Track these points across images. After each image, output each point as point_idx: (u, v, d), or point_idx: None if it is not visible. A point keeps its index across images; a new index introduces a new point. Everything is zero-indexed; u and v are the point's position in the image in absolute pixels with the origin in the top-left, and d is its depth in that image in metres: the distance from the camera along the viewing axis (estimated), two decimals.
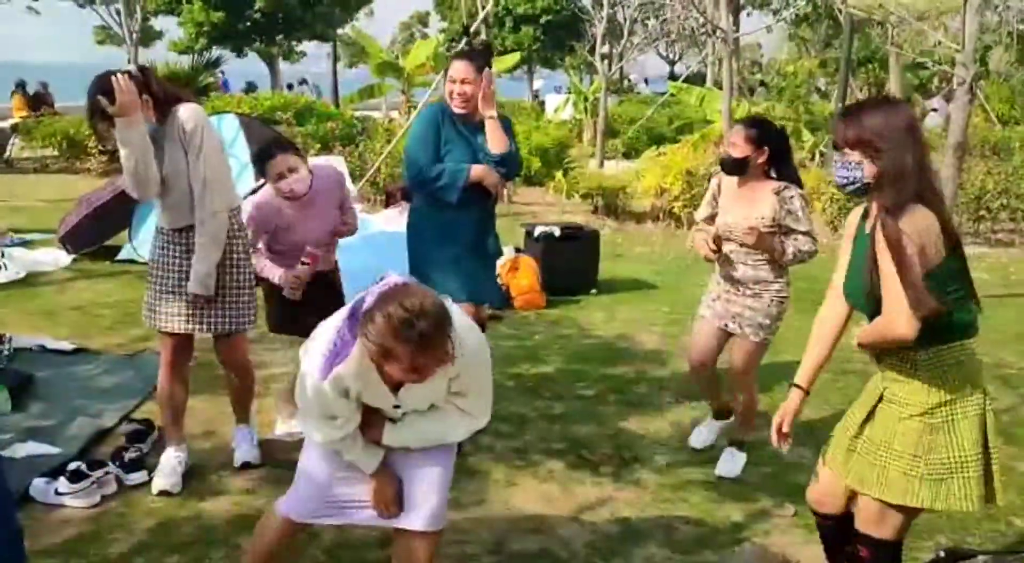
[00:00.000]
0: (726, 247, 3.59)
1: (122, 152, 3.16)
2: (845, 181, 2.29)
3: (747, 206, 3.53)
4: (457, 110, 3.70)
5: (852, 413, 2.46)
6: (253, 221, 3.66)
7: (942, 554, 2.93)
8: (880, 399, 2.37)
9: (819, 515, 2.63)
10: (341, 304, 3.81)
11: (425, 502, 2.49)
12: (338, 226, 3.87)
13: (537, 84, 31.70)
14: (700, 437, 3.99)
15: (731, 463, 3.74)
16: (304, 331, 3.66)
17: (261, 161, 3.69)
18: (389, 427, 2.46)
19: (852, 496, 2.50)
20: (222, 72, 25.58)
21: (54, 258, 7.20)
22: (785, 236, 3.49)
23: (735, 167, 3.53)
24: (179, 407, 3.61)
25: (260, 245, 3.75)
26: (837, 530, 2.59)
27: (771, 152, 3.50)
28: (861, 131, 2.24)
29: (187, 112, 3.25)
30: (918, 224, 2.16)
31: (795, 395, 2.52)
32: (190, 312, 3.38)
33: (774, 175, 3.56)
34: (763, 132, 3.51)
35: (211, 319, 3.41)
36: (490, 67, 3.73)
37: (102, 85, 3.13)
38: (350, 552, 3.09)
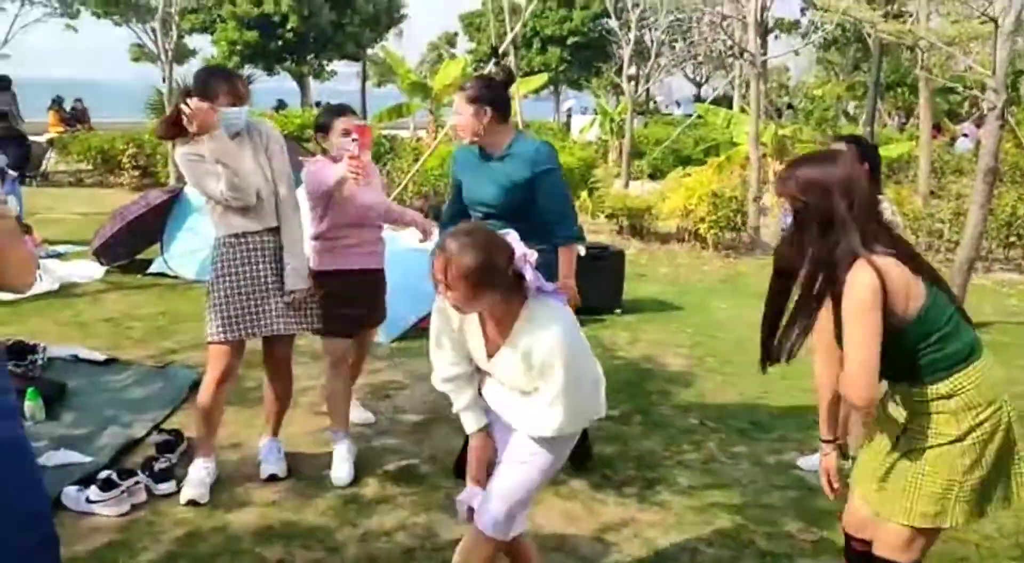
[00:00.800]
0: None
1: (220, 169, 3.33)
2: (783, 226, 2.42)
3: None
4: (461, 139, 3.74)
5: (878, 443, 2.44)
6: (312, 182, 3.67)
7: None
8: (904, 430, 2.35)
9: (853, 540, 2.62)
10: (384, 303, 3.96)
11: (491, 502, 2.50)
12: (387, 210, 3.92)
13: (569, 103, 31.70)
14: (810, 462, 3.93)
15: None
16: (353, 331, 3.83)
17: (332, 116, 3.76)
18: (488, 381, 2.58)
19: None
20: (280, 101, 26.04)
21: (87, 271, 7.33)
22: None
23: None
24: (216, 420, 3.67)
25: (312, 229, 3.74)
26: (866, 558, 2.57)
27: (869, 168, 3.52)
28: (796, 186, 2.28)
29: (261, 124, 3.55)
30: (866, 282, 2.16)
31: (828, 450, 2.54)
32: (291, 312, 3.54)
33: None
34: (865, 149, 3.51)
35: (306, 317, 3.62)
36: (484, 100, 3.52)
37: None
38: None
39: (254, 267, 3.48)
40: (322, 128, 3.78)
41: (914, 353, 2.25)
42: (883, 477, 2.39)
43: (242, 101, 3.39)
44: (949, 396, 2.26)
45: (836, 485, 2.53)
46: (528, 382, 2.43)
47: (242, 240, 3.47)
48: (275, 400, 3.80)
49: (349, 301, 3.75)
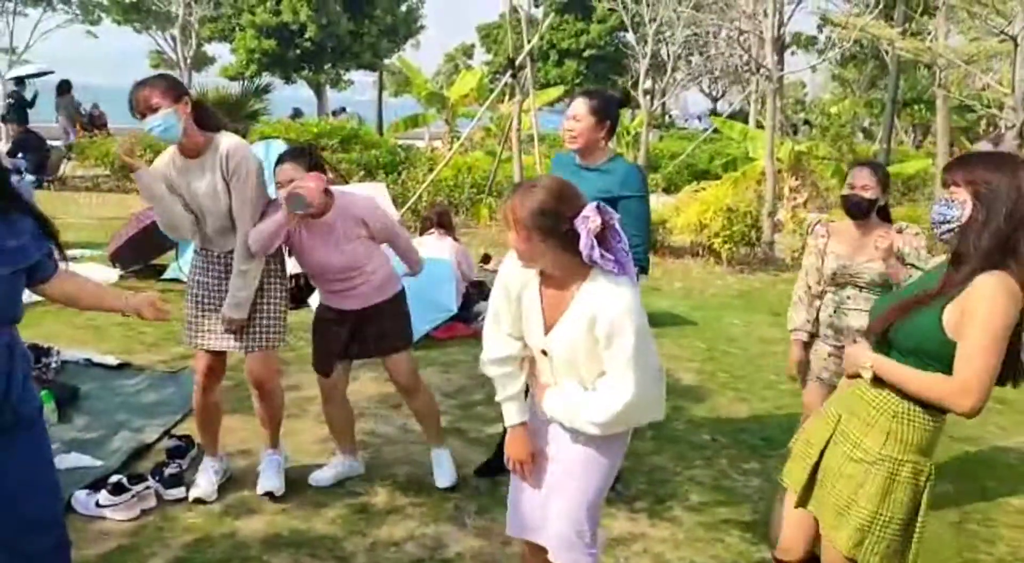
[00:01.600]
0: (839, 296, 3.54)
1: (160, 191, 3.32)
2: (943, 219, 2.18)
3: (870, 248, 3.38)
4: (569, 146, 3.65)
5: (813, 433, 2.42)
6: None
7: None
8: (837, 424, 2.36)
9: None
10: (395, 332, 3.75)
11: (556, 521, 2.49)
12: (368, 262, 3.60)
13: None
14: None
15: None
16: (326, 366, 3.68)
17: (279, 161, 3.48)
18: (543, 392, 2.50)
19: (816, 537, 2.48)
20: (343, 109, 26.27)
21: (101, 275, 7.35)
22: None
23: (867, 209, 3.46)
24: (214, 422, 3.69)
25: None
26: None
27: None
28: (977, 173, 2.15)
29: (228, 141, 3.32)
30: (1014, 291, 2.06)
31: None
32: (226, 331, 3.45)
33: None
34: (886, 174, 3.50)
35: (246, 337, 3.47)
36: (608, 114, 3.57)
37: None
38: None
39: (212, 281, 3.46)
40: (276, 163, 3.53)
41: (926, 363, 2.17)
42: (810, 476, 2.40)
43: (142, 115, 3.16)
44: (899, 420, 2.22)
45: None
46: (588, 360, 2.35)
47: (204, 255, 3.49)
48: (260, 410, 3.67)
49: (327, 335, 3.67)
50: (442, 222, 6.86)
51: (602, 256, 2.24)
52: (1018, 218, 2.09)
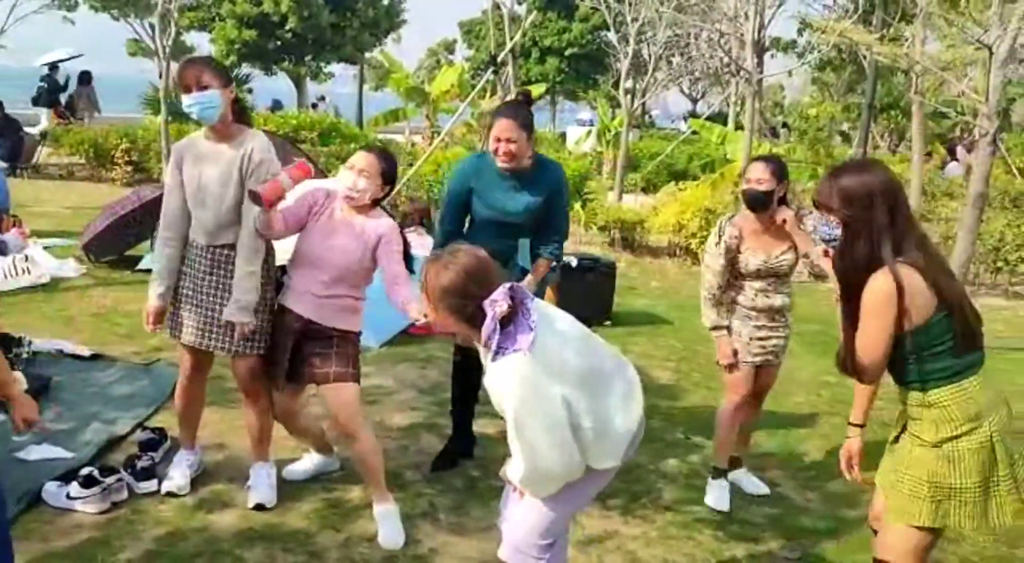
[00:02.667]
0: (760, 283, 3.70)
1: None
2: (829, 238, 2.47)
3: (783, 237, 3.64)
4: (502, 165, 3.71)
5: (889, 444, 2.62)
6: (302, 197, 3.39)
7: None
8: (903, 429, 2.52)
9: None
10: (343, 360, 3.42)
11: (511, 532, 2.57)
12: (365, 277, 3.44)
13: (585, 115, 31.25)
14: (724, 500, 3.79)
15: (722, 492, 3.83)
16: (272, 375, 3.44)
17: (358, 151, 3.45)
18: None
19: None
20: (322, 97, 26.10)
21: (68, 270, 7.15)
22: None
23: (765, 201, 3.58)
24: (194, 415, 3.66)
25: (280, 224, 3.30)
26: None
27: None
28: (832, 195, 2.39)
29: (259, 143, 3.30)
30: (882, 287, 2.31)
31: (855, 434, 2.76)
32: (209, 328, 3.37)
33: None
34: (781, 167, 3.66)
35: (228, 338, 3.37)
36: (530, 125, 3.71)
37: None
38: None
39: (196, 274, 3.38)
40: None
41: (904, 359, 2.39)
42: (882, 473, 2.58)
43: (188, 89, 3.18)
44: (929, 406, 2.40)
45: (856, 470, 2.72)
46: None
47: (192, 247, 3.41)
48: (250, 424, 3.56)
49: (275, 339, 3.41)
50: (423, 220, 6.88)
51: (498, 341, 2.31)
52: (890, 221, 2.34)
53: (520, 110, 3.76)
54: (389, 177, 3.38)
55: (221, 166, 3.28)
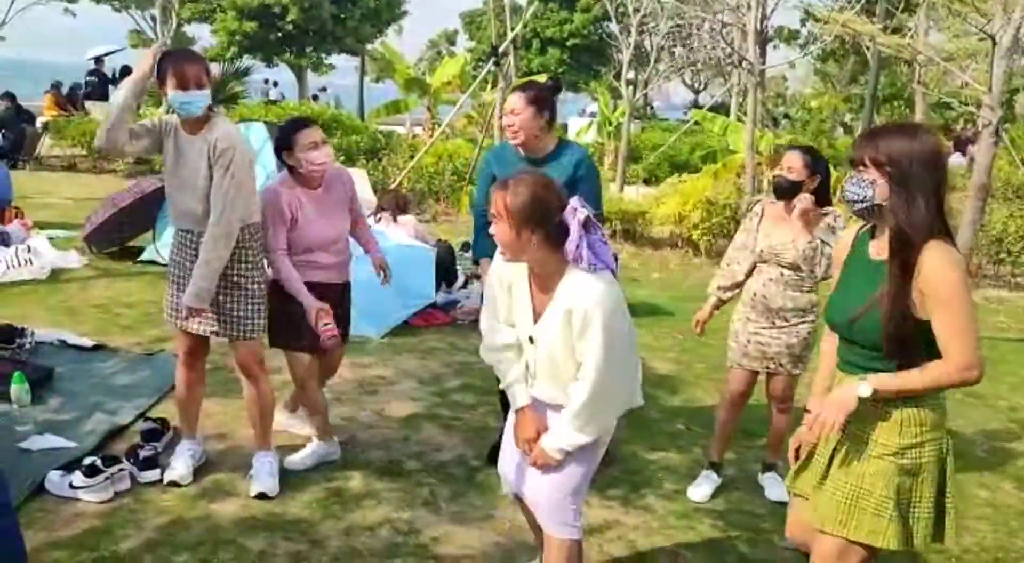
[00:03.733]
0: (768, 271, 3.63)
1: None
2: (855, 198, 2.21)
3: (800, 230, 3.47)
4: (513, 142, 3.69)
5: (820, 449, 2.38)
6: (271, 207, 3.50)
7: None
8: (845, 436, 2.30)
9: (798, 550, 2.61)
10: (346, 320, 3.79)
11: (545, 500, 2.61)
12: (346, 230, 3.76)
13: (593, 107, 31.07)
14: (702, 492, 3.80)
15: (780, 487, 3.75)
16: (306, 346, 3.61)
17: (292, 132, 3.52)
18: (529, 378, 2.59)
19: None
20: (275, 82, 25.98)
21: (67, 261, 7.15)
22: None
23: (790, 190, 3.53)
24: (194, 404, 3.68)
25: (283, 246, 3.55)
26: None
27: (820, 181, 3.56)
28: (883, 150, 2.17)
29: (222, 131, 3.29)
30: (960, 261, 2.12)
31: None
32: (206, 314, 3.39)
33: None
34: (816, 160, 3.57)
35: (221, 323, 3.41)
36: (545, 104, 3.64)
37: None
38: (358, 561, 3.10)
39: (189, 263, 3.38)
40: (285, 145, 3.54)
41: (911, 352, 2.18)
42: (820, 484, 2.35)
43: (186, 87, 3.20)
44: (906, 407, 2.22)
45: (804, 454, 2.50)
46: (566, 355, 2.45)
47: (181, 236, 3.43)
48: (248, 402, 3.60)
49: (303, 316, 3.51)
50: (398, 204, 6.94)
51: (585, 252, 2.32)
52: (936, 191, 2.15)
53: (531, 86, 3.77)
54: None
55: (194, 157, 3.31)
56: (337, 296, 3.71)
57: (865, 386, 2.16)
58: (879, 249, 2.27)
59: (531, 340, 2.52)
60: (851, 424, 2.27)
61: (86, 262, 7.22)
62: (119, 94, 3.29)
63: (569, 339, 2.41)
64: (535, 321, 2.49)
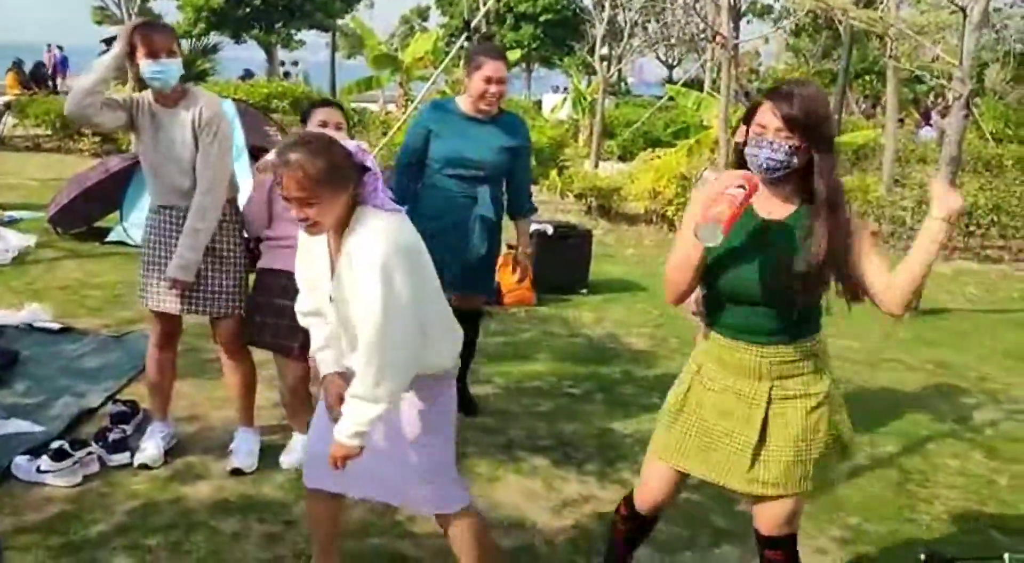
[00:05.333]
0: None
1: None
2: (777, 165, 2.15)
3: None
4: (485, 108, 3.74)
5: (740, 429, 2.30)
6: (255, 194, 3.44)
7: (922, 557, 2.96)
8: (769, 402, 2.28)
9: (640, 518, 2.58)
10: None
11: (417, 490, 2.47)
12: None
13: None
14: None
15: None
16: (296, 348, 3.38)
17: (311, 107, 3.49)
18: (339, 345, 2.44)
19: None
20: (295, 62, 25.61)
21: (18, 241, 6.97)
22: None
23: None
24: (166, 387, 3.62)
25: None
26: (645, 531, 2.66)
27: None
28: (805, 114, 2.11)
29: (205, 100, 3.29)
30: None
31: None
32: (186, 293, 3.33)
33: None
34: None
35: (201, 301, 3.37)
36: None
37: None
38: None
39: (168, 240, 3.33)
40: (303, 118, 3.54)
41: (817, 302, 2.26)
42: (755, 458, 2.29)
43: (156, 55, 3.14)
44: (820, 353, 2.31)
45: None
46: (356, 307, 2.27)
47: (161, 214, 3.36)
48: (234, 384, 3.57)
49: (283, 308, 3.24)
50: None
51: (381, 186, 2.28)
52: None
53: (503, 50, 3.86)
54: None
55: (175, 129, 3.26)
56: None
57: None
58: (769, 209, 2.24)
59: (331, 298, 2.35)
60: (773, 387, 2.27)
61: (36, 239, 7.01)
62: (93, 65, 3.22)
63: (355, 288, 2.25)
64: (332, 277, 2.35)
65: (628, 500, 2.61)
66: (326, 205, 2.20)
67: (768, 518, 2.36)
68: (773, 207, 2.25)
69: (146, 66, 3.17)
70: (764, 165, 2.17)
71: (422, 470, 2.45)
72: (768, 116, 2.15)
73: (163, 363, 3.57)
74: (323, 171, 2.17)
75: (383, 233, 2.22)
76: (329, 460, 2.31)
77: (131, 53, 3.19)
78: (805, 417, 2.27)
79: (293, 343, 3.33)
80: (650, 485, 2.51)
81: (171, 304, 3.38)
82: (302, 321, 2.53)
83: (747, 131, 2.22)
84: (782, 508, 2.33)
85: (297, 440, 3.67)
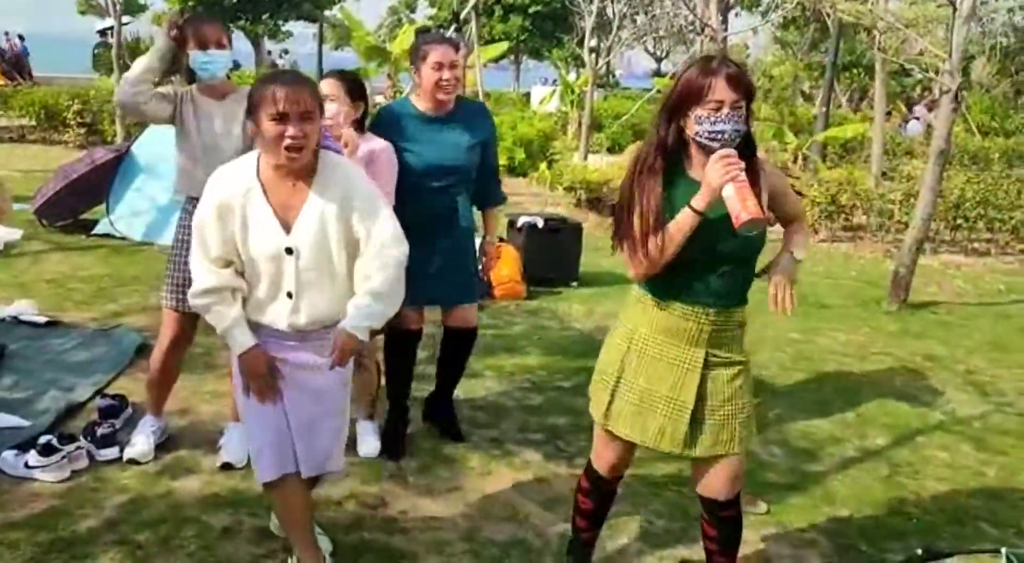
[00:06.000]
0: None
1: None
2: (737, 136, 2.26)
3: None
4: (441, 97, 3.46)
5: (677, 394, 2.40)
6: None
7: (919, 552, 2.98)
8: (705, 367, 2.39)
9: (609, 481, 2.69)
10: None
11: (329, 450, 2.66)
12: None
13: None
14: None
15: None
16: None
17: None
18: (286, 305, 2.47)
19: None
20: (285, 51, 25.37)
21: (8, 233, 6.90)
22: None
23: None
24: (167, 388, 3.60)
25: None
26: (606, 504, 2.79)
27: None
28: (750, 84, 2.29)
29: None
30: None
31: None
32: None
33: None
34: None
35: None
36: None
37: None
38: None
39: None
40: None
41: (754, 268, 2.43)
42: (694, 421, 2.40)
43: (205, 47, 3.24)
44: (741, 325, 2.46)
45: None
46: (340, 248, 2.45)
47: (188, 210, 3.34)
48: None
49: None
50: None
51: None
52: None
53: (453, 39, 3.59)
54: (357, 94, 3.41)
55: (223, 122, 3.29)
56: None
57: (800, 251, 2.46)
58: (698, 171, 2.32)
59: (289, 251, 2.41)
60: (710, 352, 2.39)
61: (21, 233, 6.93)
62: (142, 58, 3.28)
63: (345, 232, 2.42)
64: (288, 233, 2.41)
65: (588, 472, 2.72)
66: (315, 126, 2.34)
67: (720, 481, 2.47)
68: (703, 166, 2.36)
69: (196, 56, 3.24)
70: (732, 137, 2.26)
71: (338, 427, 2.67)
72: (726, 92, 2.23)
73: (171, 363, 3.52)
74: (317, 90, 2.41)
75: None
76: (337, 355, 2.46)
77: (183, 43, 3.25)
78: (731, 381, 2.42)
79: None
80: (603, 453, 2.64)
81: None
82: (198, 302, 2.49)
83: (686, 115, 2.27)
84: (731, 468, 2.45)
85: (366, 428, 3.75)
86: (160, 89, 3.30)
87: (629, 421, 2.47)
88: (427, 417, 3.99)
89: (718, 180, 2.21)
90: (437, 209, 3.55)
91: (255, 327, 2.52)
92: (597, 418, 2.55)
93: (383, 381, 3.89)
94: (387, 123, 3.53)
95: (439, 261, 3.57)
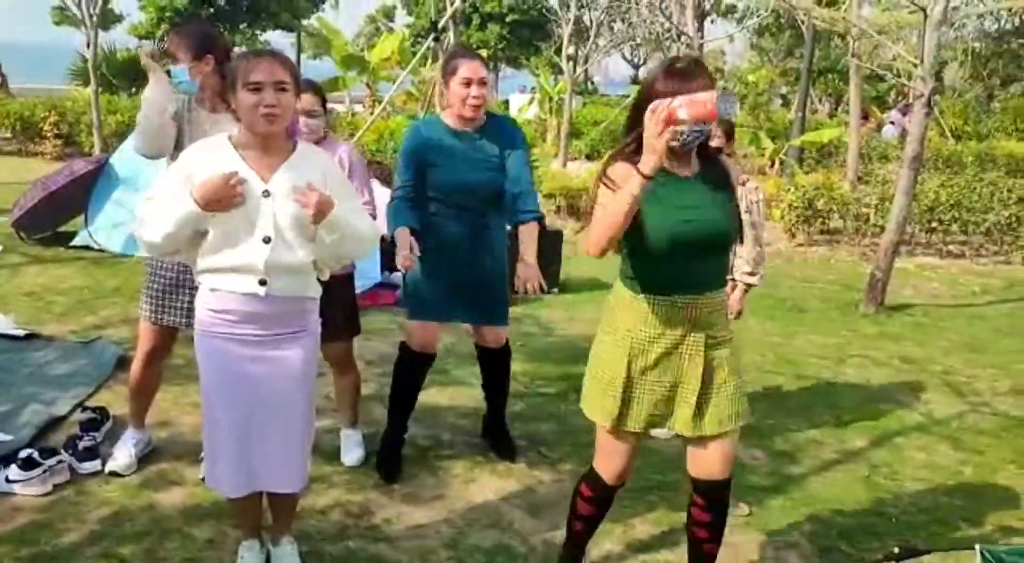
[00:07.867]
0: None
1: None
2: (699, 135, 2.36)
3: None
4: (469, 115, 3.40)
5: (685, 380, 2.49)
6: None
7: (895, 550, 3.02)
8: (706, 348, 2.49)
9: (613, 487, 2.71)
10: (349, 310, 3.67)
11: (292, 465, 2.70)
12: None
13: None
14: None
15: None
16: None
17: None
18: (263, 248, 2.48)
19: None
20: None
21: None
22: None
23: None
24: (149, 396, 3.58)
25: None
26: (606, 508, 2.82)
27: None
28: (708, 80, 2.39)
29: None
30: None
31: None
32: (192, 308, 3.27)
33: None
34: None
35: None
36: None
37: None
38: (309, 544, 3.07)
39: None
40: None
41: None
42: (701, 402, 2.50)
43: (175, 60, 3.21)
44: (724, 303, 2.61)
45: None
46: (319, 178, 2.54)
47: None
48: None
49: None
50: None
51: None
52: None
53: (478, 52, 3.61)
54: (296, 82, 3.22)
55: (216, 133, 3.24)
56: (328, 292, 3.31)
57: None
58: (683, 171, 2.46)
59: (266, 194, 2.46)
60: (707, 335, 2.49)
61: (7, 247, 6.90)
62: (150, 103, 3.20)
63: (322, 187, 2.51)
64: (265, 181, 2.47)
65: (591, 480, 2.73)
66: (290, 98, 2.44)
67: (717, 460, 2.55)
68: (684, 168, 2.47)
69: (172, 72, 3.22)
70: (730, 114, 2.33)
71: (300, 442, 2.73)
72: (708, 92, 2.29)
73: (148, 379, 3.50)
74: (293, 65, 2.51)
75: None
76: (311, 195, 2.45)
77: (172, 56, 3.23)
78: (730, 358, 2.53)
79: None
80: (609, 459, 2.67)
81: (182, 318, 3.31)
82: (157, 247, 2.55)
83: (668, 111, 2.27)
84: (727, 447, 2.55)
85: (350, 437, 3.77)
86: (168, 113, 3.23)
87: (646, 417, 2.55)
88: (484, 434, 3.99)
89: (654, 130, 2.21)
90: (467, 226, 3.49)
91: (227, 297, 2.52)
92: (606, 425, 2.58)
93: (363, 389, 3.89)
94: (418, 139, 3.48)
95: (468, 280, 3.53)
